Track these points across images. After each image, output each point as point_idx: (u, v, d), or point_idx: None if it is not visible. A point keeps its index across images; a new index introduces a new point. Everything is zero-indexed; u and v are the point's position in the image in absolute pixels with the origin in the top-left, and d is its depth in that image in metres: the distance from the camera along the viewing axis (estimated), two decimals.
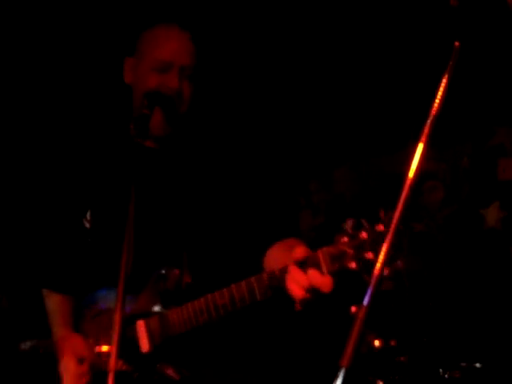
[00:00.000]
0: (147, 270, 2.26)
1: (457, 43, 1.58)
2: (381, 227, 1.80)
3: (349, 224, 1.84)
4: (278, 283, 1.96)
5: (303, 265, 1.87)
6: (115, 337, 1.76)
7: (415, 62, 3.54)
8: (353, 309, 1.43)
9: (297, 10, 3.67)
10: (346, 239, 1.83)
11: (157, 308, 2.22)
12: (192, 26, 2.47)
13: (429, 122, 1.54)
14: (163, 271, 2.23)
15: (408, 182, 1.50)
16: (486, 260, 3.61)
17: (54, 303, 2.55)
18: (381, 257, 1.47)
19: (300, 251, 1.90)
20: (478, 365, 3.09)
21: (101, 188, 2.47)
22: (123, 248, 1.90)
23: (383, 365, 3.07)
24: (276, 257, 2.20)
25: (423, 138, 1.53)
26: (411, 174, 1.51)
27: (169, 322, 2.19)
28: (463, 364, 3.11)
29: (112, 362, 1.73)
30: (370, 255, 1.80)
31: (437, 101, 1.55)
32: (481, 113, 3.73)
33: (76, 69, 3.68)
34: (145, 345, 2.20)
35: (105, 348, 2.15)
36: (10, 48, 3.61)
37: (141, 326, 2.21)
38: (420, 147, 1.52)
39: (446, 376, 3.07)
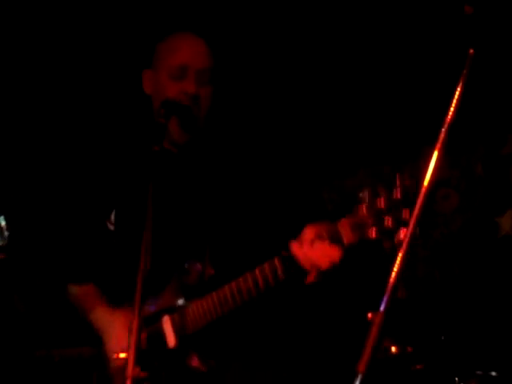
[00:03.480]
0: (171, 266, 2.29)
1: (471, 51, 1.59)
2: (397, 193, 1.81)
3: (365, 193, 1.84)
4: (293, 259, 2.02)
5: (318, 239, 1.93)
6: (132, 343, 1.76)
7: (430, 70, 3.55)
8: (369, 315, 1.44)
9: (316, 14, 3.69)
10: (364, 209, 1.85)
11: (181, 302, 2.23)
12: (207, 35, 2.50)
13: (444, 129, 1.54)
14: (186, 266, 2.25)
15: (423, 190, 1.50)
16: (502, 268, 3.60)
17: (84, 289, 2.45)
18: (396, 264, 1.47)
19: (309, 231, 1.98)
20: (493, 373, 3.08)
21: (124, 191, 2.50)
22: (141, 251, 1.92)
23: (399, 372, 3.06)
24: None
25: (438, 145, 1.53)
26: (426, 181, 1.51)
27: (193, 315, 2.20)
28: (479, 372, 3.09)
29: (129, 369, 1.74)
30: (388, 223, 1.80)
31: (451, 108, 1.55)
32: (493, 120, 3.72)
33: (103, 81, 3.73)
34: (171, 340, 2.21)
35: (123, 355, 2.15)
36: (35, 62, 3.65)
37: (166, 321, 2.22)
38: (435, 155, 1.53)
39: None
